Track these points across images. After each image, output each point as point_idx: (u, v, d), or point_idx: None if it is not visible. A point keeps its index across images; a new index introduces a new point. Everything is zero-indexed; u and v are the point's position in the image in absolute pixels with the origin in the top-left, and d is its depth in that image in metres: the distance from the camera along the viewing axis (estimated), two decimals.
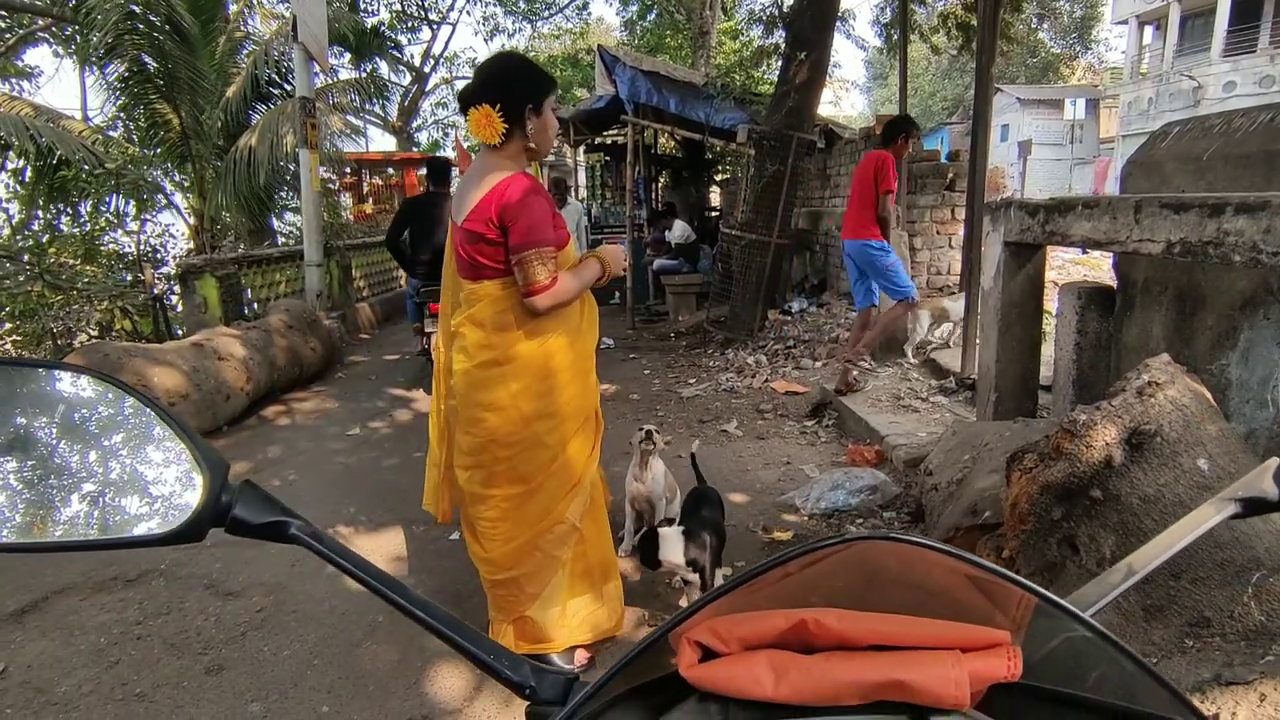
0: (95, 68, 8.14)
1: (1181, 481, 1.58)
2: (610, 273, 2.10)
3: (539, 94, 1.93)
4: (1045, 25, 34.41)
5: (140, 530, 0.57)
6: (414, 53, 20.60)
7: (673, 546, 2.29)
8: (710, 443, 4.29)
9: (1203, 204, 2.21)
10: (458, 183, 2.09)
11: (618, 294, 8.72)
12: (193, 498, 0.56)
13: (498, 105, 1.87)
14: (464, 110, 1.94)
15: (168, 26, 7.53)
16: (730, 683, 0.46)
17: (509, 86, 1.90)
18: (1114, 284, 3.20)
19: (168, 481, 0.58)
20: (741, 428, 4.54)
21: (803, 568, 0.51)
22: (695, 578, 2.33)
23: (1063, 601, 0.48)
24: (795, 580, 0.54)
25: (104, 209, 7.78)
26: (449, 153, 18.63)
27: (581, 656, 2.21)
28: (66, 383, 0.60)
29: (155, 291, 6.64)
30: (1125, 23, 26.55)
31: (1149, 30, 25.93)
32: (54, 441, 0.58)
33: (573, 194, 11.23)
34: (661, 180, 13.48)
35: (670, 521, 2.86)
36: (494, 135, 1.89)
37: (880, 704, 0.44)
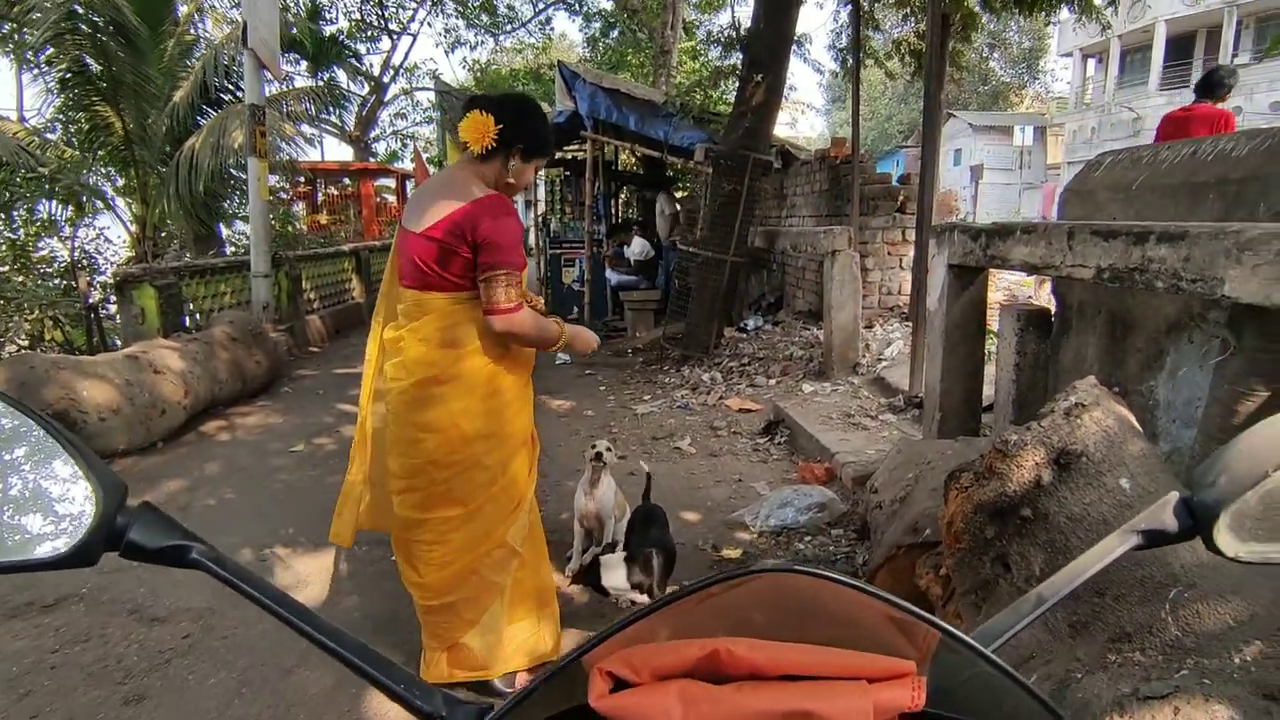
0: (33, 67, 7.84)
1: (1105, 500, 1.63)
2: (564, 345, 2.09)
3: (536, 147, 1.95)
4: (995, 55, 35.76)
5: (25, 554, 0.53)
6: (373, 62, 20.38)
7: (615, 572, 2.26)
8: (663, 460, 4.28)
9: (1129, 232, 2.30)
10: (416, 188, 2.05)
11: (575, 309, 8.71)
12: (84, 521, 0.53)
13: (500, 126, 1.86)
14: (466, 110, 1.91)
15: (112, 27, 7.31)
16: (639, 713, 0.45)
17: (518, 119, 1.90)
18: (1052, 307, 3.31)
19: (56, 503, 0.55)
20: (695, 445, 4.55)
21: (714, 598, 0.50)
22: (644, 599, 2.31)
23: (961, 634, 0.49)
24: (711, 609, 0.54)
25: (37, 214, 7.46)
26: (407, 164, 18.44)
27: (523, 679, 2.16)
28: None
29: (91, 301, 6.38)
30: (1070, 55, 27.79)
31: (1092, 63, 27.16)
32: None
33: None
34: (623, 196, 13.54)
35: (614, 545, 2.85)
36: (479, 142, 1.87)
37: None
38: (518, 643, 2.15)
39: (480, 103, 1.90)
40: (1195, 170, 2.69)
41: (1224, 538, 0.55)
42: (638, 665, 0.47)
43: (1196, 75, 22.10)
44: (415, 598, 2.11)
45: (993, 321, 4.17)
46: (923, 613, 0.48)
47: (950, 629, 0.48)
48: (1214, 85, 4.53)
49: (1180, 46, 22.59)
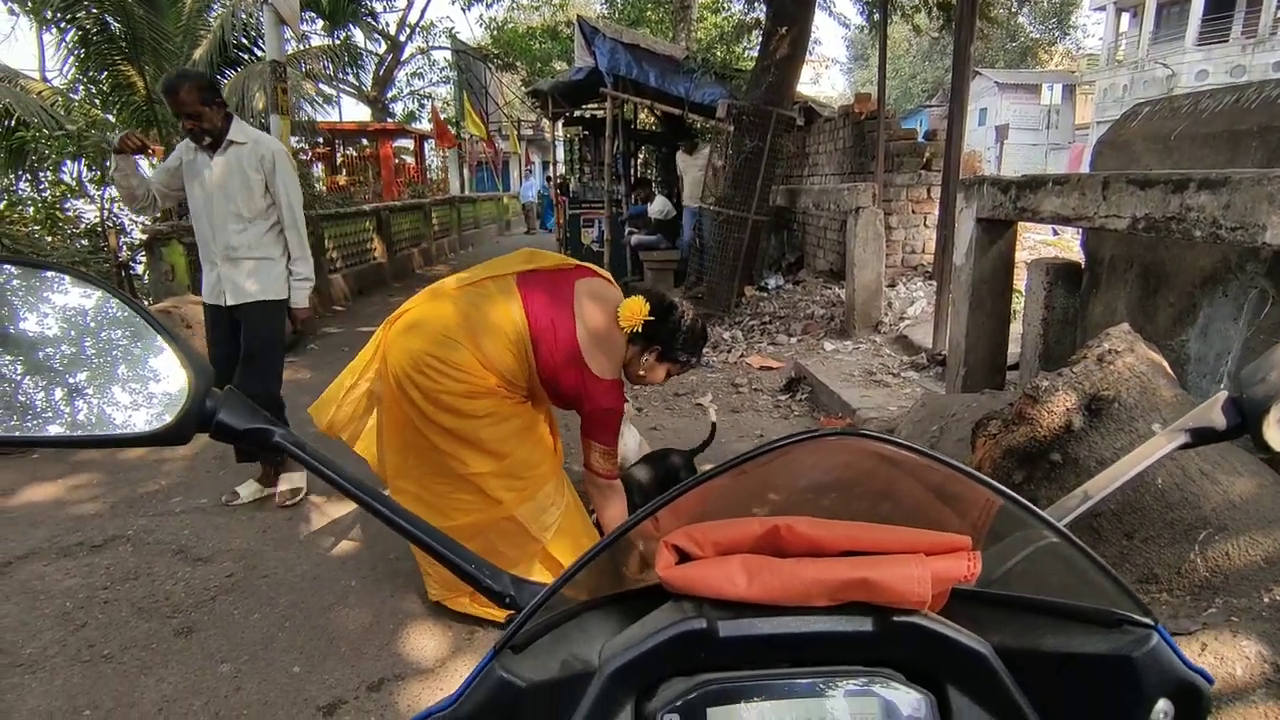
0: (53, 27, 7.83)
1: (1137, 445, 1.63)
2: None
3: (671, 351, 2.16)
4: (1025, 9, 34.53)
5: (125, 429, 0.58)
6: (389, 20, 20.07)
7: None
8: (684, 416, 4.32)
9: (1167, 180, 2.26)
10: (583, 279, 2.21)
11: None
12: (178, 401, 0.57)
13: (650, 315, 2.07)
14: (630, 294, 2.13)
15: None
16: (704, 582, 0.47)
17: (666, 321, 2.11)
18: (1081, 262, 3.26)
19: (153, 384, 0.59)
20: (716, 401, 4.57)
21: (769, 464, 0.51)
22: None
23: (1022, 499, 0.50)
24: (762, 486, 0.56)
25: (62, 173, 7.52)
26: (425, 125, 18.29)
27: None
28: (50, 283, 0.60)
29: (120, 259, 6.46)
30: (1103, 9, 26.78)
31: (1126, 17, 26.18)
32: (37, 339, 0.58)
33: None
34: (641, 155, 13.38)
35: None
36: (629, 322, 2.07)
37: (848, 606, 0.46)
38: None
39: (645, 293, 2.13)
40: (1238, 118, 2.62)
41: (1273, 431, 0.56)
42: (700, 540, 0.49)
43: (1238, 29, 21.30)
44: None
45: (1019, 282, 4.13)
46: (989, 479, 0.50)
47: (1011, 493, 0.50)
48: None
49: None
